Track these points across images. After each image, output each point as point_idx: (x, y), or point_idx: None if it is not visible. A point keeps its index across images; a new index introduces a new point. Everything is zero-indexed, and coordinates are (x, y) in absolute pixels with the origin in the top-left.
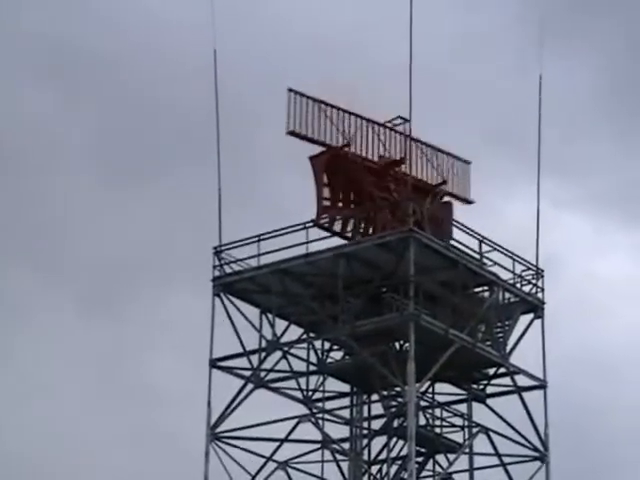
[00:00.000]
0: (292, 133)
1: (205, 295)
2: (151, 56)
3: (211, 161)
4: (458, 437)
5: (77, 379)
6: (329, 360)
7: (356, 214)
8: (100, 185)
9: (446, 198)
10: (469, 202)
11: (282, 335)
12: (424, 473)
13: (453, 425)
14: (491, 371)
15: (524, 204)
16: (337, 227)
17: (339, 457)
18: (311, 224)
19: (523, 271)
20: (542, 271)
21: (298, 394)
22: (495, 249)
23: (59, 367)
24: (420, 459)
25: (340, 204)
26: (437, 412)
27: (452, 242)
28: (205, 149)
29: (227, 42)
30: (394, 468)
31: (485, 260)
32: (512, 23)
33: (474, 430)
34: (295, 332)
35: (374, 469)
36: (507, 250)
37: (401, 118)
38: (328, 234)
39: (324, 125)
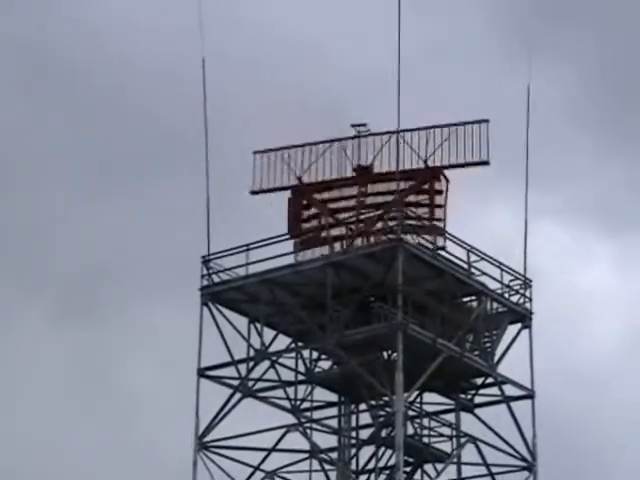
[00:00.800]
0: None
1: (193, 304)
2: (139, 65)
3: (200, 169)
4: (446, 447)
5: (63, 389)
6: (317, 369)
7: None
8: (87, 193)
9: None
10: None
11: (270, 344)
12: None
13: (441, 435)
14: (479, 381)
15: (503, 214)
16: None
17: (327, 467)
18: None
19: (511, 281)
20: (530, 281)
21: (286, 403)
22: (483, 259)
23: (43, 377)
24: (408, 469)
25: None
26: (425, 422)
27: (440, 252)
28: (194, 157)
29: (216, 51)
30: (382, 478)
31: (473, 270)
32: (481, 32)
33: (462, 440)
34: (283, 341)
35: (362, 479)
36: (495, 260)
37: (355, 126)
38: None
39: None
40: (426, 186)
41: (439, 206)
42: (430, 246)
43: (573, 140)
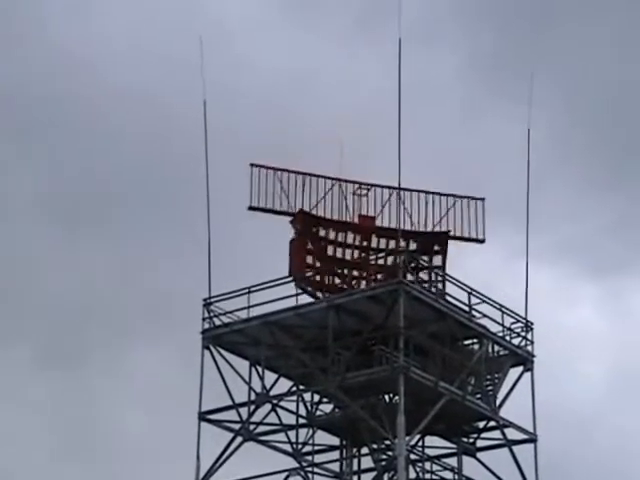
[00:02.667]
0: (252, 208)
1: (195, 347)
2: (140, 104)
3: (200, 212)
4: None
5: (54, 436)
6: (319, 413)
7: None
8: (84, 234)
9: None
10: (479, 241)
11: (271, 388)
12: None
13: (443, 479)
14: (481, 424)
15: (488, 254)
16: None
17: None
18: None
19: (512, 324)
20: (532, 324)
21: (287, 447)
22: (484, 301)
23: (34, 422)
24: None
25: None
26: (427, 466)
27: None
28: (195, 198)
29: (217, 93)
30: None
31: (474, 312)
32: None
33: None
34: (284, 384)
35: None
36: (496, 302)
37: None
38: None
39: (287, 193)
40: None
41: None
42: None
43: (556, 182)
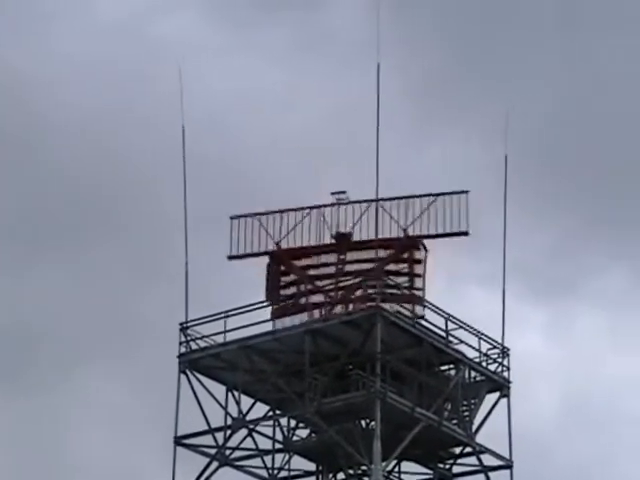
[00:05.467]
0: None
1: (171, 371)
2: (119, 134)
3: (178, 235)
4: None
5: (31, 464)
6: (295, 438)
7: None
8: (56, 258)
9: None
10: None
11: (248, 412)
12: None
13: None
14: (457, 450)
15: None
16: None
17: None
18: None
19: (489, 350)
20: (508, 350)
21: (263, 472)
22: (461, 327)
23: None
24: None
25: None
26: None
27: (418, 320)
28: (173, 223)
29: (195, 119)
30: None
31: (451, 338)
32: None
33: None
34: (261, 409)
35: None
36: (473, 328)
37: (334, 193)
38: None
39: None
40: (405, 255)
41: (418, 275)
42: (409, 314)
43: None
